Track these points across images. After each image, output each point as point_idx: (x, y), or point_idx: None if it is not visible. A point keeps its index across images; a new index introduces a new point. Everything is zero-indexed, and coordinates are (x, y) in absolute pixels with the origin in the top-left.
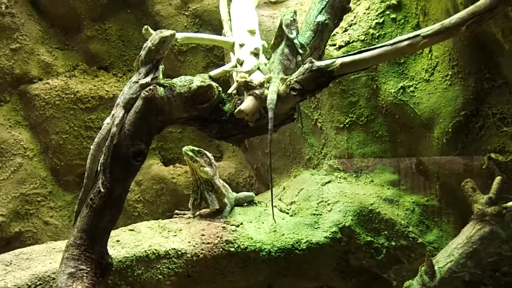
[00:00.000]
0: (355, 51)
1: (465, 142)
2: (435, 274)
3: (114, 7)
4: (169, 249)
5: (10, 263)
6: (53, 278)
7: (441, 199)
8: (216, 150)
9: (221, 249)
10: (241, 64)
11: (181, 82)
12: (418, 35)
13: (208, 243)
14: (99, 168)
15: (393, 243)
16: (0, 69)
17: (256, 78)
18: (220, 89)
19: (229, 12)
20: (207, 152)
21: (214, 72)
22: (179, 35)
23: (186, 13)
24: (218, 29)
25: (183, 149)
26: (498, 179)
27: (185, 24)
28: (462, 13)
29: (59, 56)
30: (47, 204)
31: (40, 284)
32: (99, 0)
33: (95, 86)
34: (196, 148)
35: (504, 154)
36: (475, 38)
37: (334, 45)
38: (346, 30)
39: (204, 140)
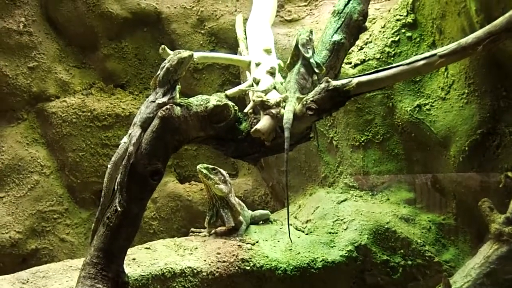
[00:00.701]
0: (372, 71)
1: (481, 160)
2: None
3: (130, 26)
4: (185, 268)
5: (27, 281)
6: None
7: (458, 217)
8: (232, 168)
9: (236, 268)
10: (257, 83)
11: (198, 101)
12: (435, 54)
13: (224, 261)
14: (116, 187)
15: (410, 262)
16: (18, 87)
17: (273, 97)
18: (236, 108)
19: (245, 30)
20: (221, 170)
21: (231, 91)
22: (196, 55)
23: (202, 32)
24: (233, 47)
25: (198, 167)
26: None
27: (201, 42)
28: (479, 32)
29: (76, 74)
30: (64, 222)
31: None
32: (116, 19)
33: (111, 104)
34: (211, 166)
35: None
36: (491, 56)
37: (350, 63)
38: (361, 48)
39: (220, 158)
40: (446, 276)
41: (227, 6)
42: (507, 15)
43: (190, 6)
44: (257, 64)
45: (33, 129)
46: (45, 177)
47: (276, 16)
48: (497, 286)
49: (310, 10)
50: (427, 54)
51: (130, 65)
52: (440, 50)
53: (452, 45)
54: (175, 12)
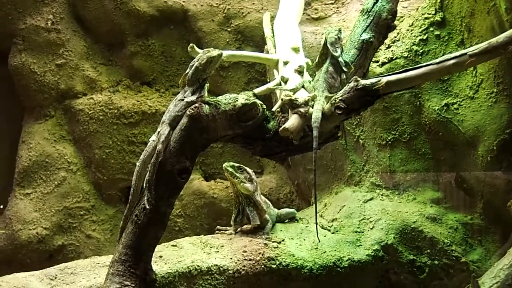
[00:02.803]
0: (401, 70)
1: (510, 160)
2: None
3: (157, 24)
4: (211, 265)
5: (55, 278)
6: None
7: (485, 217)
8: (257, 166)
9: (263, 266)
10: (285, 82)
11: (226, 100)
12: (465, 53)
13: (250, 259)
14: (144, 185)
15: (436, 262)
16: (46, 84)
17: (301, 96)
18: (264, 106)
19: (272, 29)
20: (247, 168)
21: (259, 90)
22: (225, 53)
23: (229, 29)
24: (260, 45)
25: (224, 165)
26: None
27: (227, 40)
28: (510, 32)
29: (103, 72)
30: (90, 218)
31: None
32: (143, 17)
33: (138, 101)
34: (236, 164)
35: None
36: None
37: (377, 61)
38: (389, 46)
39: (245, 155)
40: (475, 276)
41: (253, 4)
42: None
43: (217, 3)
44: (285, 63)
45: (60, 126)
46: (72, 174)
47: (303, 14)
48: None
49: (337, 8)
50: (457, 53)
51: (156, 62)
52: (471, 49)
53: (483, 45)
54: (201, 10)
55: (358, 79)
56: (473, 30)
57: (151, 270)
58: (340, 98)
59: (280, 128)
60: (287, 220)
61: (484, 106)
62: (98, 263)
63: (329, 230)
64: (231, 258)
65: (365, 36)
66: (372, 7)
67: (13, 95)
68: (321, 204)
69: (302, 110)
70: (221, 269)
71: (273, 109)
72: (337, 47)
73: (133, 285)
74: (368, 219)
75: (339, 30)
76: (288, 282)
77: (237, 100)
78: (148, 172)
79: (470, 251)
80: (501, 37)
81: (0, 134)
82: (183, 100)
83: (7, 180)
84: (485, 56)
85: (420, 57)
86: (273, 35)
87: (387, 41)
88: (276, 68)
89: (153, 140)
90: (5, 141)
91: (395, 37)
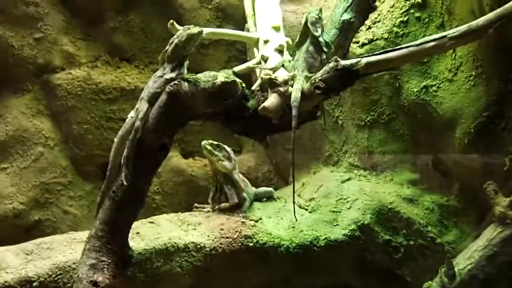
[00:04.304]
0: (381, 51)
1: (487, 143)
2: (454, 276)
3: (136, 0)
4: (188, 243)
5: (31, 252)
6: (74, 268)
7: (461, 199)
8: (236, 144)
9: (240, 244)
10: (265, 61)
11: (206, 78)
12: (445, 36)
13: (227, 237)
14: (122, 161)
15: (412, 243)
16: (23, 58)
17: (281, 75)
18: (244, 85)
19: (253, 7)
20: (226, 146)
21: (238, 68)
22: (205, 31)
23: (209, 7)
24: (240, 23)
25: (202, 143)
26: None
27: (208, 17)
28: (490, 15)
29: (82, 47)
30: (67, 194)
31: (60, 273)
32: None
33: (117, 77)
34: (215, 142)
35: None
36: (500, 40)
37: (357, 42)
38: (369, 27)
39: (224, 134)
40: (450, 257)
41: None
42: None
43: None
44: (266, 42)
45: (38, 100)
46: (49, 149)
47: None
48: (498, 269)
49: None
50: (437, 36)
51: (136, 39)
52: (451, 32)
53: (463, 27)
54: None
55: (338, 59)
56: (453, 12)
57: (128, 246)
58: (319, 78)
59: (260, 107)
60: (264, 199)
61: (462, 89)
62: (75, 239)
63: (307, 210)
64: (208, 236)
65: (346, 16)
66: None
67: None
68: (299, 183)
69: (281, 89)
70: (198, 246)
71: (253, 87)
72: (318, 27)
73: (110, 261)
74: (345, 199)
75: (320, 10)
76: (265, 260)
77: (216, 78)
78: (126, 149)
79: (446, 232)
80: (481, 20)
81: None
82: (162, 77)
83: None
84: (465, 39)
85: (400, 38)
86: (254, 14)
87: (367, 22)
88: (256, 47)
89: (132, 117)
90: None
91: (376, 18)
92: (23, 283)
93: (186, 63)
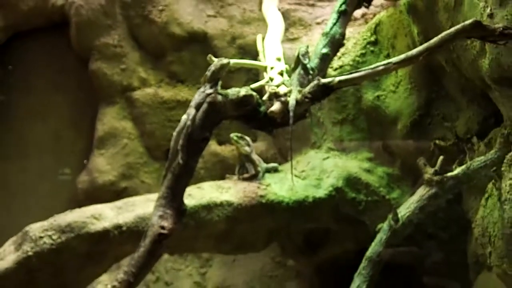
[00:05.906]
0: (348, 73)
1: (419, 133)
2: (398, 220)
3: (187, 42)
4: (222, 200)
5: (121, 208)
6: (149, 218)
7: (402, 170)
8: (253, 135)
9: (256, 201)
10: (271, 81)
11: (232, 92)
12: (390, 62)
13: (248, 196)
14: (178, 148)
15: (369, 199)
16: (113, 81)
17: (282, 90)
18: (258, 96)
19: (263, 45)
20: (246, 137)
21: (254, 86)
22: (231, 61)
23: (234, 46)
24: (255, 56)
25: (231, 135)
26: (440, 158)
27: (233, 53)
28: (420, 48)
29: (151, 73)
30: (143, 170)
31: (140, 221)
32: (178, 37)
33: (174, 93)
34: (239, 134)
35: (445, 141)
36: (427, 64)
37: (332, 67)
38: (340, 57)
39: (245, 128)
40: (395, 208)
41: (251, 29)
42: (439, 36)
43: (226, 29)
44: (271, 68)
45: (123, 109)
46: (131, 141)
47: (284, 36)
48: (426, 215)
49: (306, 32)
50: (385, 62)
51: (186, 67)
52: (394, 59)
53: (402, 56)
54: (216, 33)
55: (319, 78)
56: (396, 47)
57: (183, 203)
58: (308, 91)
59: (268, 111)
60: (272, 171)
61: (402, 97)
62: (149, 199)
63: (300, 178)
64: (235, 196)
65: (325, 50)
66: (329, 30)
67: (92, 90)
68: (294, 161)
69: (283, 99)
70: (229, 203)
71: (263, 98)
72: (306, 58)
73: (172, 213)
74: (325, 170)
75: (307, 47)
76: (273, 212)
77: (240, 92)
78: (181, 140)
79: (392, 192)
80: (414, 51)
81: (84, 115)
82: (204, 92)
83: (90, 145)
84: (404, 63)
85: (360, 65)
86: (263, 49)
87: (338, 54)
88: (265, 72)
89: (185, 118)
90: (87, 120)
91: (344, 51)
92: (116, 228)
93: (220, 82)
